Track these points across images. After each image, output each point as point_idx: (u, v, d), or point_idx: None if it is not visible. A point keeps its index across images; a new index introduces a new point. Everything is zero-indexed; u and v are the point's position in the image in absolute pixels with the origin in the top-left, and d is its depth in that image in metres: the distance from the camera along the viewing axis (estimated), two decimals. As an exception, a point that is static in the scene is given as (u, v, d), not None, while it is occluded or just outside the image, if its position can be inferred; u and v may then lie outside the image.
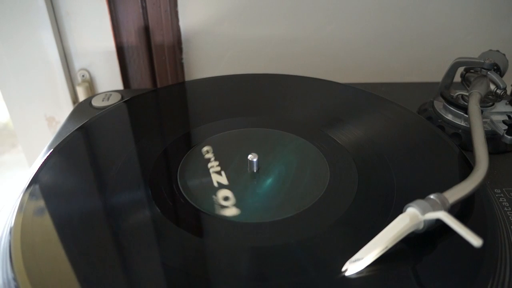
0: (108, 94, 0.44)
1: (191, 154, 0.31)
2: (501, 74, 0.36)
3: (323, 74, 0.44)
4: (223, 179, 0.28)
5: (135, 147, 0.31)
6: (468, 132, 0.33)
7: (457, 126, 0.35)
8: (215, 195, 0.27)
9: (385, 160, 0.29)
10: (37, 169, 0.28)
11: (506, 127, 0.33)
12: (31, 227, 0.24)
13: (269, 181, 0.28)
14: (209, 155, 0.30)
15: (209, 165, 0.30)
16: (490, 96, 0.35)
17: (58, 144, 0.31)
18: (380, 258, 0.21)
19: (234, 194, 0.27)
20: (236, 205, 0.26)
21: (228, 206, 0.26)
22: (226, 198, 0.27)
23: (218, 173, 0.29)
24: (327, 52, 0.55)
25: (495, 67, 0.35)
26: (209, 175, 0.29)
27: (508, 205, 0.28)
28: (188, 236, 0.23)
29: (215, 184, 0.28)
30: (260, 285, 0.21)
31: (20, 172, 0.82)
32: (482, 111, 0.34)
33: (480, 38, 0.54)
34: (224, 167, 0.29)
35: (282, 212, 0.25)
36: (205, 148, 0.30)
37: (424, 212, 0.21)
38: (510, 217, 0.27)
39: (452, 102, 0.36)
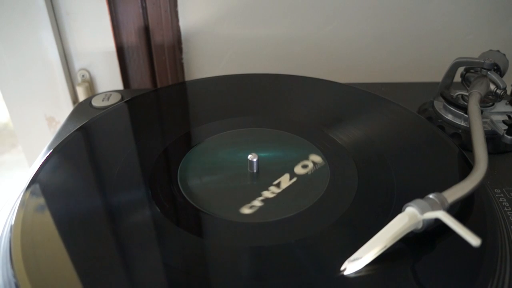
0: (108, 94, 0.44)
1: (191, 154, 0.31)
2: (501, 74, 0.36)
3: (323, 74, 0.44)
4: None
5: (135, 147, 0.31)
6: (468, 132, 0.33)
7: (457, 126, 0.35)
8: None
9: (385, 160, 0.29)
10: (37, 169, 0.28)
11: (506, 127, 0.33)
12: (31, 227, 0.24)
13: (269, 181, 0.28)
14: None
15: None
16: (490, 96, 0.35)
17: (58, 144, 0.31)
18: (378, 258, 0.21)
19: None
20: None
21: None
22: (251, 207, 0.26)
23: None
24: (327, 52, 0.55)
25: (495, 67, 0.35)
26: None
27: (508, 205, 0.28)
28: (188, 236, 0.23)
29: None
30: (260, 285, 0.21)
31: (20, 172, 0.82)
32: (482, 111, 0.34)
33: (480, 38, 0.54)
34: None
35: (282, 212, 0.25)
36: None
37: (422, 211, 0.21)
38: (510, 217, 0.27)
39: (452, 102, 0.36)
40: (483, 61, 0.35)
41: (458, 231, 0.20)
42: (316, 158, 0.30)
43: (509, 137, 0.32)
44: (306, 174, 0.29)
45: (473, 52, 0.38)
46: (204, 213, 0.25)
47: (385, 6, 0.52)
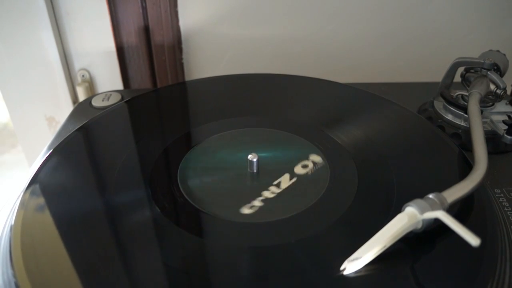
0: (108, 94, 0.44)
1: (191, 154, 0.31)
2: (501, 74, 0.36)
3: (323, 74, 0.44)
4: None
5: (135, 147, 0.31)
6: (468, 132, 0.33)
7: (457, 126, 0.35)
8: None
9: (385, 160, 0.29)
10: (37, 169, 0.28)
11: (506, 127, 0.33)
12: (31, 227, 0.24)
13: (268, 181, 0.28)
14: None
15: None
16: (490, 96, 0.35)
17: (58, 144, 0.31)
18: (378, 258, 0.21)
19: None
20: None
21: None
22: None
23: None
24: (327, 52, 0.55)
25: (495, 67, 0.35)
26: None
27: (508, 205, 0.28)
28: (188, 236, 0.23)
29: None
30: (260, 285, 0.21)
31: (20, 172, 0.82)
32: (482, 111, 0.34)
33: (480, 38, 0.54)
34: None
35: (282, 212, 0.25)
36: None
37: (422, 211, 0.21)
38: (510, 217, 0.27)
39: (452, 102, 0.36)
40: (483, 61, 0.35)
41: (457, 231, 0.20)
42: (316, 158, 0.30)
43: (509, 137, 0.32)
44: (306, 174, 0.29)
45: (473, 52, 0.38)
46: (204, 213, 0.25)
47: (385, 6, 0.52)
